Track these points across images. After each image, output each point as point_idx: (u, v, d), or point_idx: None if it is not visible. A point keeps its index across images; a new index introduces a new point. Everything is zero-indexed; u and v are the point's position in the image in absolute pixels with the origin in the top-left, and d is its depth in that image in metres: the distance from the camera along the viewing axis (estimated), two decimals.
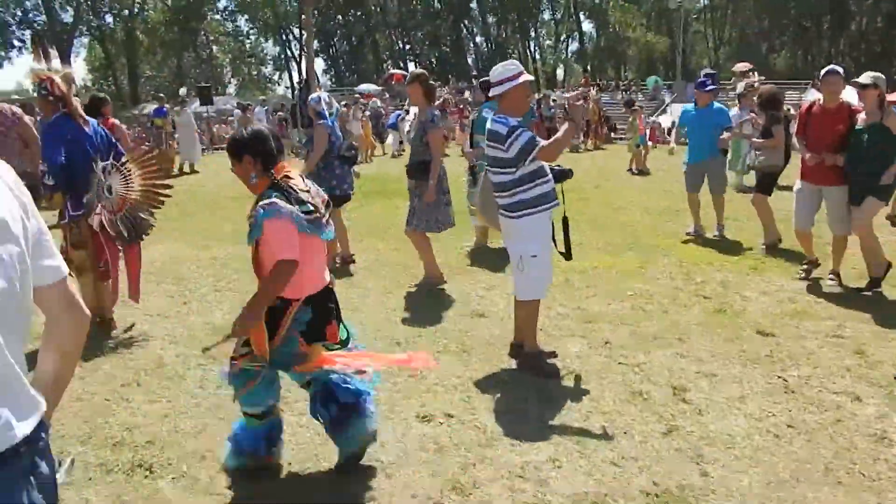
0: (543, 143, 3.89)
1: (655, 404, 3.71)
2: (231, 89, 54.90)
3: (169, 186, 5.32)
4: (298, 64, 53.97)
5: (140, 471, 3.17)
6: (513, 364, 4.29)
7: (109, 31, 47.62)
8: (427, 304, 5.57)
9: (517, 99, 4.00)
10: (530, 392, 3.90)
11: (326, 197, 3.05)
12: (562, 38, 59.53)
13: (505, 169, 3.94)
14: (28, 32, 44.47)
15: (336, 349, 3.10)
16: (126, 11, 46.17)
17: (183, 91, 19.87)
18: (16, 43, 44.59)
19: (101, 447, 3.38)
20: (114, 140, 5.15)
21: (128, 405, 3.87)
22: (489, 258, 6.93)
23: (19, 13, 44.57)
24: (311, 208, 2.86)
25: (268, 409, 3.09)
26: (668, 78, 36.98)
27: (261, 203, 2.80)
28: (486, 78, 4.83)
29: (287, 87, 53.44)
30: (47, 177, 4.78)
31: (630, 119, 15.86)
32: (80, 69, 50.81)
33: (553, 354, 4.33)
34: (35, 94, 4.88)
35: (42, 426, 1.31)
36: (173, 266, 7.01)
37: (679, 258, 6.82)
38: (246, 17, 52.05)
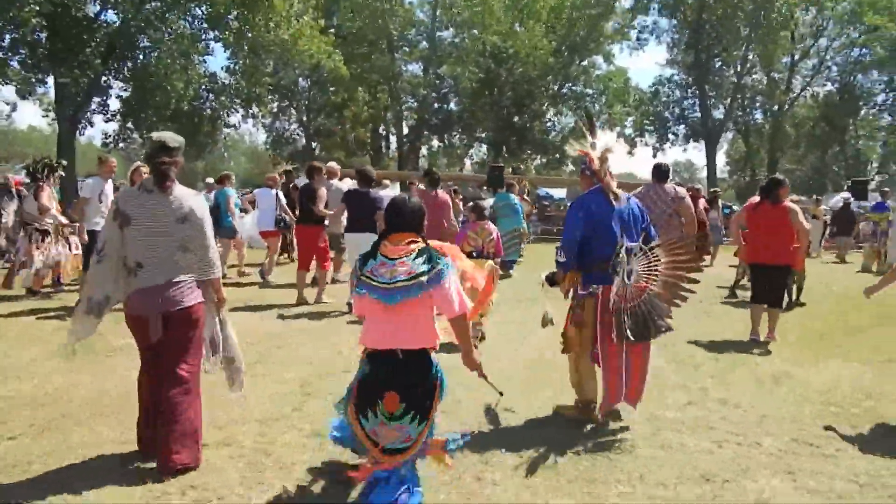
0: None
1: None
2: (872, 185, 49.42)
3: (695, 281, 4.70)
4: None
5: None
6: None
7: (755, 125, 48.55)
8: None
9: None
10: None
11: None
12: None
13: None
14: (682, 127, 48.68)
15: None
16: (776, 107, 46.40)
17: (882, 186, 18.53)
18: (670, 136, 49.17)
19: None
20: (649, 221, 4.89)
21: None
22: None
23: (677, 110, 49.14)
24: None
25: None
26: None
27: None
28: None
29: None
30: (559, 253, 4.69)
31: None
32: (720, 160, 53.42)
33: None
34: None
35: None
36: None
37: None
38: None
